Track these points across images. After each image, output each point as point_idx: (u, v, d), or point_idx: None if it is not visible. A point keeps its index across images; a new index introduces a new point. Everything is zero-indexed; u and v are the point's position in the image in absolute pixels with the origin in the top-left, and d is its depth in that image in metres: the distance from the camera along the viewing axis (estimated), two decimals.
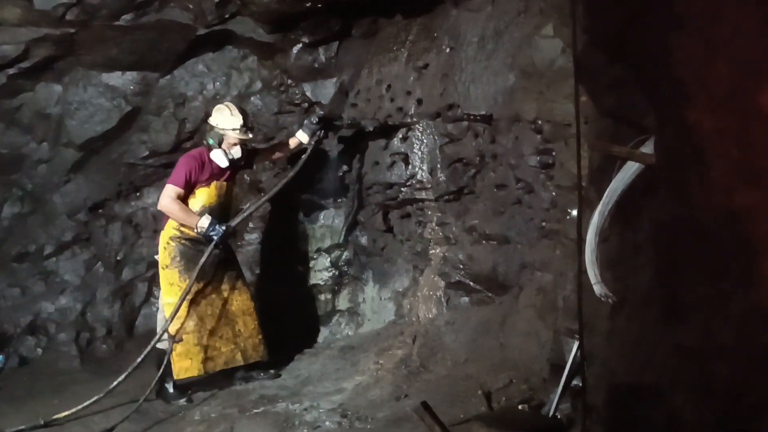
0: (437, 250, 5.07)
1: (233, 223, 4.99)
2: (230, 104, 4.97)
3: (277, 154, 5.46)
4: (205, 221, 4.77)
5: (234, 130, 4.83)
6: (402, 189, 5.27)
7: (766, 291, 1.84)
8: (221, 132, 4.85)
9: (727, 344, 1.96)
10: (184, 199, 4.80)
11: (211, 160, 4.89)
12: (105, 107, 5.75)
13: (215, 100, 5.74)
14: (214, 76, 5.83)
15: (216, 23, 5.32)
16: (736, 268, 1.93)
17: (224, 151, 4.86)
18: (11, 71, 5.44)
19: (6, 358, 5.64)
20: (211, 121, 4.91)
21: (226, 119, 4.85)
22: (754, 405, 1.89)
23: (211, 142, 4.88)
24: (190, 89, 5.85)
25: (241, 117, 4.86)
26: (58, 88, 5.72)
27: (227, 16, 5.26)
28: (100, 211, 6.12)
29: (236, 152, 4.89)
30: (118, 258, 6.13)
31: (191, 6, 5.19)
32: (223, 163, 4.88)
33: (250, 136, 4.98)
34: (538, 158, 4.28)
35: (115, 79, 5.71)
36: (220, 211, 4.94)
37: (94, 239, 6.11)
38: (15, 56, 5.32)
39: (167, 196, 4.75)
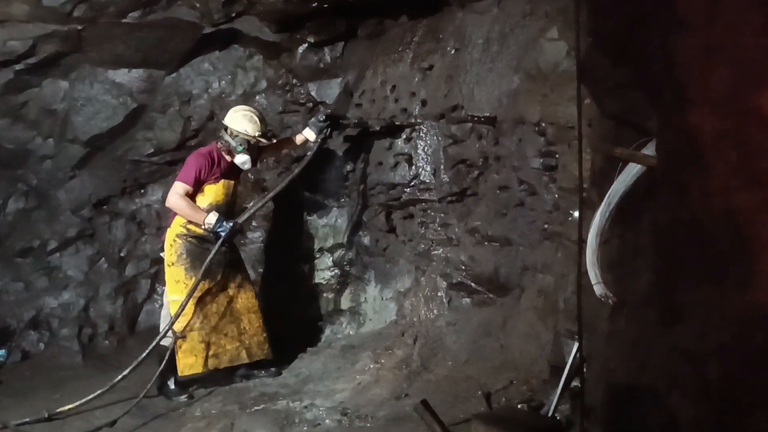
0: (439, 251, 5.07)
1: (240, 219, 5.02)
2: (251, 109, 5.07)
3: (282, 151, 5.50)
4: (212, 217, 4.80)
5: (261, 136, 4.94)
6: (405, 189, 5.28)
7: (763, 292, 1.86)
8: (248, 138, 4.91)
9: (724, 345, 1.97)
10: (192, 196, 4.83)
11: (221, 159, 4.95)
12: (111, 104, 5.79)
13: (221, 98, 5.78)
14: (219, 74, 5.87)
15: (222, 22, 5.35)
16: (734, 269, 1.95)
17: (250, 155, 4.95)
18: (18, 67, 5.48)
19: (8, 353, 5.66)
20: (237, 126, 4.91)
21: (253, 125, 4.92)
22: (750, 405, 1.91)
23: (240, 148, 4.91)
24: (195, 87, 5.89)
25: (262, 122, 4.99)
26: (65, 84, 5.75)
27: (234, 15, 5.29)
28: (105, 207, 6.16)
29: (255, 154, 5.04)
30: (122, 254, 6.16)
31: (198, 4, 5.21)
32: (248, 166, 5.01)
33: (274, 141, 5.33)
34: (542, 160, 4.28)
35: (122, 76, 5.75)
36: (227, 209, 4.98)
37: (97, 235, 6.14)
38: (22, 52, 5.36)
39: (175, 193, 4.78)
